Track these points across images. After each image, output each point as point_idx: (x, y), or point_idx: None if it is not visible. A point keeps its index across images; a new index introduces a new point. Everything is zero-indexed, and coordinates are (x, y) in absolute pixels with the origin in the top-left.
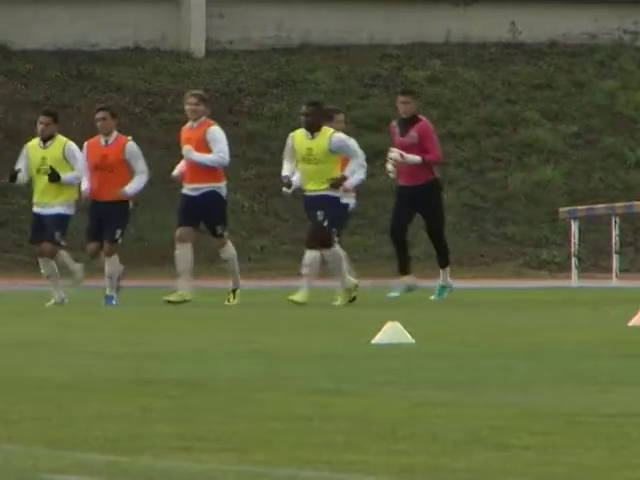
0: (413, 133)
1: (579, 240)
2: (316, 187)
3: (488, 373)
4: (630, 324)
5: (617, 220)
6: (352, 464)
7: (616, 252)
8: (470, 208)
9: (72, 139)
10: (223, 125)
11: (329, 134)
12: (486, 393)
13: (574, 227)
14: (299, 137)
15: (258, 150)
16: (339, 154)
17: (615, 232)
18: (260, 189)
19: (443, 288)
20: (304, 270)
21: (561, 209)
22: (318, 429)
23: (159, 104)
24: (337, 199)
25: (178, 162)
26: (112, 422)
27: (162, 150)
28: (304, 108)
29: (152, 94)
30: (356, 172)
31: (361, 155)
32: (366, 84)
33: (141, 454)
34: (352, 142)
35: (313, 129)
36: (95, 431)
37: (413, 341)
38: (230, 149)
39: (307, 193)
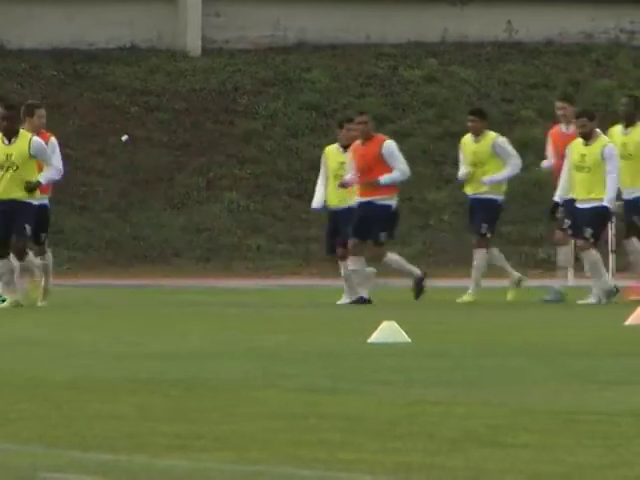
0: None
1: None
2: (19, 195)
3: (484, 372)
4: (626, 323)
5: (613, 219)
6: (349, 462)
7: (612, 251)
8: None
9: (68, 138)
10: (219, 124)
11: (29, 138)
12: (482, 392)
13: None
14: None
15: (254, 149)
16: (37, 159)
17: (612, 231)
18: (256, 188)
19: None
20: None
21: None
22: (315, 427)
23: (155, 103)
24: (45, 206)
25: (175, 161)
26: (110, 421)
27: (158, 149)
28: (1, 111)
29: (148, 93)
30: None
31: (61, 167)
32: (362, 83)
33: (139, 453)
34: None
35: (11, 134)
36: (93, 430)
37: (409, 340)
38: (226, 148)
39: (5, 201)
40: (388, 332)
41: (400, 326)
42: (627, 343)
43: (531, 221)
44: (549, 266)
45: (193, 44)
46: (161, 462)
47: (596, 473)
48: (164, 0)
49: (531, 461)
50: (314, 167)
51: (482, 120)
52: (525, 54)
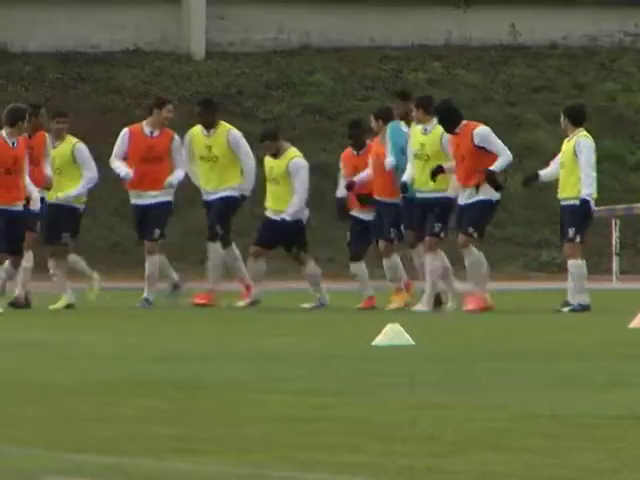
0: None
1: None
2: None
3: (487, 375)
4: (630, 326)
5: (617, 222)
6: (351, 465)
7: (616, 254)
8: None
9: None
10: None
11: None
12: (485, 395)
13: None
14: None
15: (258, 152)
16: None
17: (615, 234)
18: (260, 192)
19: None
20: None
21: None
22: (317, 430)
23: None
24: None
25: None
26: (111, 424)
27: None
28: None
29: (152, 96)
30: None
31: None
32: (366, 86)
33: (140, 456)
34: None
35: None
36: (93, 433)
37: (413, 343)
38: None
39: None
40: (392, 335)
41: (404, 329)
42: (630, 346)
43: (535, 224)
44: (553, 269)
45: (197, 47)
46: (162, 465)
47: (598, 477)
48: (168, 3)
49: (533, 465)
50: (317, 170)
51: None
52: (529, 57)
